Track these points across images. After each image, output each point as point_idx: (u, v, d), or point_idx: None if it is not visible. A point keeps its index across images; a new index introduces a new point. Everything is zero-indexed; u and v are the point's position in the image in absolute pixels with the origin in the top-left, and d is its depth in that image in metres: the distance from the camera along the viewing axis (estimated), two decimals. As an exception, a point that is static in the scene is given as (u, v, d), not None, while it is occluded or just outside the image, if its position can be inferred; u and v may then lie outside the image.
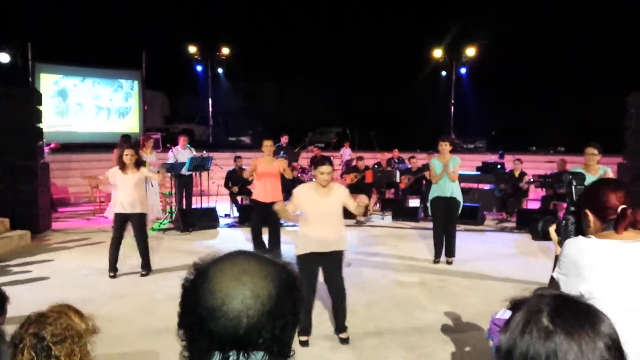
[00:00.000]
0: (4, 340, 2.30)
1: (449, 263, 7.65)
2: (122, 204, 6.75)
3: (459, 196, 7.62)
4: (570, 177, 2.23)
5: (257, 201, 7.77)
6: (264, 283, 0.99)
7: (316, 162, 4.70)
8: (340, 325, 4.85)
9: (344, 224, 4.87)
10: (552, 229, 2.27)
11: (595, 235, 2.05)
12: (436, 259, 7.68)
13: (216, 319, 0.96)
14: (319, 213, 4.66)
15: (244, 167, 11.62)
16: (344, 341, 4.77)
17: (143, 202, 6.94)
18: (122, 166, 6.82)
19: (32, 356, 1.72)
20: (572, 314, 0.92)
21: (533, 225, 2.10)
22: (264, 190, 7.74)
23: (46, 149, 11.12)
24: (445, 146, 7.62)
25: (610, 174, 6.06)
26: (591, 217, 2.11)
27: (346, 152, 16.17)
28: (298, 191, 4.78)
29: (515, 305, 0.99)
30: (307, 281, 4.58)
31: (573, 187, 2.24)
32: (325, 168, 4.62)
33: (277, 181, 7.91)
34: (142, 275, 6.88)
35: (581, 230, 2.19)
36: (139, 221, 6.89)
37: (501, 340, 0.96)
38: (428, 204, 7.86)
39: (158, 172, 7.92)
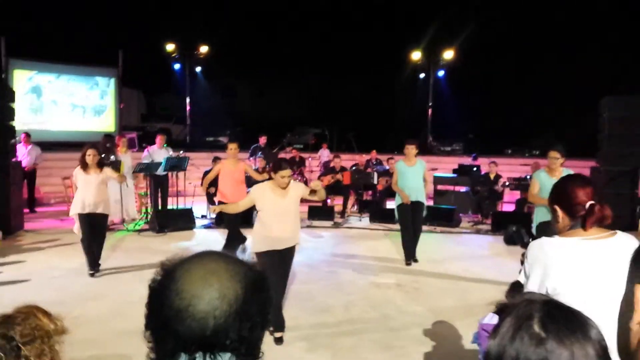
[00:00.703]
0: None
1: (415, 261, 7.76)
2: (83, 204, 6.65)
3: (424, 198, 7.65)
4: (514, 228, 2.38)
5: (222, 203, 7.77)
6: (231, 284, 0.98)
7: (276, 166, 4.76)
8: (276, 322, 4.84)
9: (299, 219, 5.01)
10: None
11: (561, 232, 2.14)
12: (409, 261, 7.72)
13: (182, 320, 0.95)
14: (274, 212, 4.75)
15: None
16: (278, 341, 4.78)
17: (106, 203, 6.86)
18: (85, 166, 6.72)
19: (0, 357, 1.68)
20: (564, 321, 0.93)
21: (505, 232, 2.19)
22: (229, 192, 7.85)
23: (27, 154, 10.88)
24: (411, 149, 7.56)
25: None
26: (560, 213, 2.16)
27: (324, 153, 16.18)
28: (254, 190, 4.89)
29: (503, 310, 1.00)
30: (271, 276, 4.59)
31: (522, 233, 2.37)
32: (285, 172, 4.71)
33: (242, 183, 8.10)
34: (90, 275, 6.72)
35: None
36: (100, 222, 6.84)
37: (490, 345, 0.95)
38: (395, 209, 7.82)
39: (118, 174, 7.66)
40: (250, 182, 8.66)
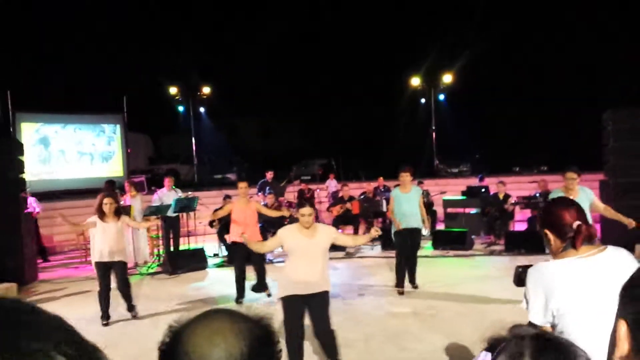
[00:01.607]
0: None
1: (415, 288, 7.78)
2: (101, 253, 6.70)
3: (420, 224, 7.74)
4: (521, 269, 2.47)
5: (236, 242, 7.71)
6: (236, 342, 1.01)
7: (298, 203, 4.76)
8: None
9: (327, 265, 4.82)
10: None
11: (555, 255, 2.23)
12: (400, 287, 7.67)
13: None
14: (303, 253, 4.64)
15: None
16: None
17: (122, 251, 6.90)
18: (102, 215, 6.76)
19: None
20: (554, 353, 0.94)
21: (514, 274, 2.24)
22: (242, 231, 7.74)
23: (33, 203, 10.98)
24: (406, 177, 7.64)
25: (592, 195, 6.19)
26: (551, 236, 2.24)
27: (332, 184, 16.22)
28: (282, 231, 4.80)
29: (494, 347, 1.01)
30: (292, 323, 4.56)
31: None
32: (305, 210, 4.65)
33: (255, 224, 7.98)
34: (133, 316, 6.90)
35: None
36: (120, 269, 6.85)
37: None
38: (392, 236, 7.86)
39: (144, 220, 7.79)
40: (261, 219, 8.63)
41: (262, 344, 1.05)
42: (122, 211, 7.10)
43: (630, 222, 5.82)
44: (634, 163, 10.13)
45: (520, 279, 1.90)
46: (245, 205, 7.85)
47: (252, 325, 1.07)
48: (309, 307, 4.66)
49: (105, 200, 6.77)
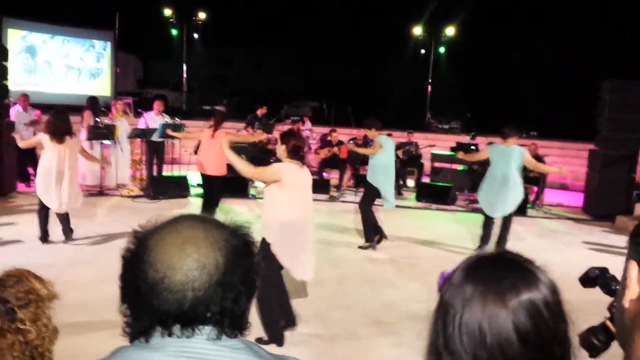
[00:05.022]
0: None
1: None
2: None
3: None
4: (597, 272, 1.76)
5: (203, 174, 7.65)
6: (210, 252, 0.91)
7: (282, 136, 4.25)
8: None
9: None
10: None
11: None
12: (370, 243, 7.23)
13: (158, 293, 0.88)
14: (308, 191, 4.22)
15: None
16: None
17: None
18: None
19: None
20: (515, 274, 0.87)
21: (586, 273, 1.56)
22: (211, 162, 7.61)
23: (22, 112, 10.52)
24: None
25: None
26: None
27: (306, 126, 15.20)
28: (282, 165, 4.11)
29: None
30: (278, 276, 4.24)
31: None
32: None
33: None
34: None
35: None
36: None
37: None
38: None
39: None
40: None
41: (239, 255, 0.94)
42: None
43: (561, 168, 7.48)
44: (625, 136, 10.11)
45: (592, 280, 1.48)
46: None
47: (228, 234, 0.95)
48: None
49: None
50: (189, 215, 0.98)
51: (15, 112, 10.07)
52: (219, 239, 0.93)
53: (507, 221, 6.98)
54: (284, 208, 4.01)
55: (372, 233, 7.10)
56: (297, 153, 4.16)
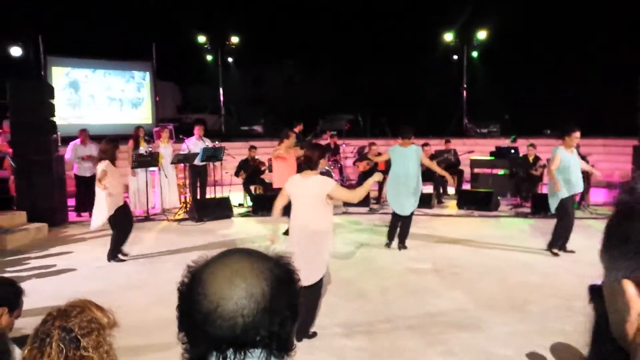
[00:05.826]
0: (9, 339, 2.35)
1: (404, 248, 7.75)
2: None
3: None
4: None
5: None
6: (257, 281, 1.00)
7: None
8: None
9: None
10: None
11: None
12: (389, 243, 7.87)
13: (212, 321, 0.97)
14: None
15: (257, 157, 11.68)
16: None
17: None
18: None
19: (60, 349, 1.76)
20: None
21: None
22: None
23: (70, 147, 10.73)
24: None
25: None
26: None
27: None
28: (290, 179, 4.76)
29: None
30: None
31: None
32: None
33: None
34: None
35: None
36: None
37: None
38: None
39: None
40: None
41: (282, 283, 1.04)
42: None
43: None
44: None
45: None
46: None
47: (272, 265, 1.05)
48: None
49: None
50: (236, 249, 1.09)
51: (74, 146, 10.50)
52: (264, 269, 1.03)
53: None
54: (291, 217, 4.60)
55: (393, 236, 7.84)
56: (306, 163, 4.63)
